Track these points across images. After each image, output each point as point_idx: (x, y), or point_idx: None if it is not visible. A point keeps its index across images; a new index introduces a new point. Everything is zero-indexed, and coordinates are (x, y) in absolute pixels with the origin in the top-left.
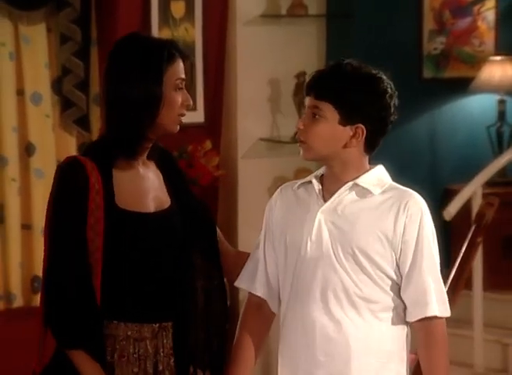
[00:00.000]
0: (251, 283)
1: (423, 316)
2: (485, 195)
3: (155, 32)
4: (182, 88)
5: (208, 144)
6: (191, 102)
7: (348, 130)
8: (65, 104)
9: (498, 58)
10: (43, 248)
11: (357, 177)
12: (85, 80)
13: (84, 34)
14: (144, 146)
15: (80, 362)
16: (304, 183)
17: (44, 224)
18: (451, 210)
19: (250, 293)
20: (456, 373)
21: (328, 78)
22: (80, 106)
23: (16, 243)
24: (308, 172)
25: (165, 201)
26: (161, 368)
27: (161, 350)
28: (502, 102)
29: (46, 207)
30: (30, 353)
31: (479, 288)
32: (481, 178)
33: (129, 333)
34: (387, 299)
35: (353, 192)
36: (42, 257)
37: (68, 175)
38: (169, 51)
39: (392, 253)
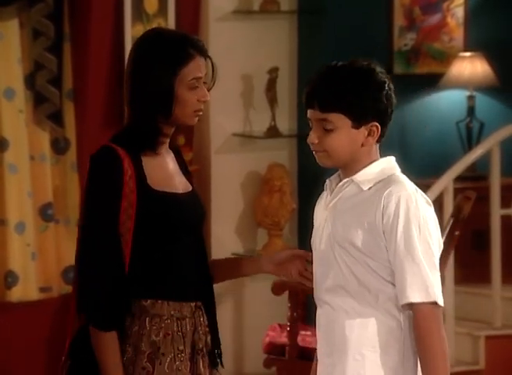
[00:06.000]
0: None
1: (402, 303)
2: (458, 190)
3: (128, 27)
4: (197, 87)
5: (181, 140)
6: (208, 98)
7: (363, 131)
8: (39, 99)
9: (467, 54)
10: (76, 237)
11: (356, 173)
12: (58, 75)
13: (57, 29)
14: (163, 138)
15: (109, 343)
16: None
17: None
18: None
19: None
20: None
21: (328, 89)
22: (53, 101)
23: None
24: (282, 167)
25: (188, 185)
26: (200, 346)
27: (200, 328)
28: (471, 98)
29: (21, 203)
30: (3, 347)
31: (450, 282)
32: (453, 173)
33: (172, 312)
34: (387, 289)
35: (350, 188)
36: (15, 252)
37: (102, 161)
38: (186, 50)
39: (380, 242)
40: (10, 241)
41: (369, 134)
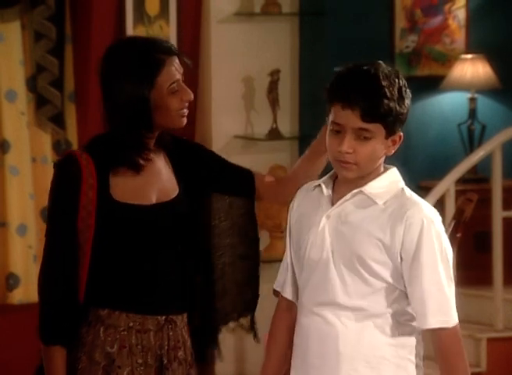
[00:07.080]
0: (282, 286)
1: (423, 328)
2: (460, 192)
3: (130, 29)
4: (178, 90)
5: None
6: (192, 97)
7: (389, 140)
8: (40, 101)
9: (469, 56)
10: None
11: (366, 183)
12: (60, 77)
13: (59, 32)
14: (147, 155)
15: (51, 357)
16: (318, 184)
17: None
18: None
19: (280, 295)
20: (430, 367)
21: (375, 99)
22: (55, 104)
23: None
24: (283, 169)
25: (172, 191)
26: (165, 361)
27: (167, 343)
28: (473, 100)
29: (23, 205)
30: (4, 350)
31: None
32: (454, 175)
33: (130, 324)
34: (386, 307)
35: (358, 199)
36: (17, 254)
37: (61, 170)
38: (154, 57)
39: (391, 261)
40: (11, 243)
41: (394, 144)
